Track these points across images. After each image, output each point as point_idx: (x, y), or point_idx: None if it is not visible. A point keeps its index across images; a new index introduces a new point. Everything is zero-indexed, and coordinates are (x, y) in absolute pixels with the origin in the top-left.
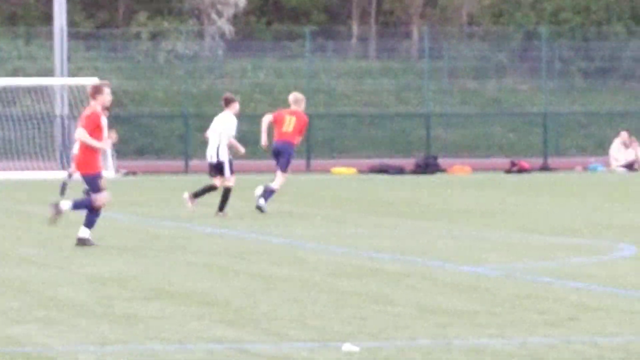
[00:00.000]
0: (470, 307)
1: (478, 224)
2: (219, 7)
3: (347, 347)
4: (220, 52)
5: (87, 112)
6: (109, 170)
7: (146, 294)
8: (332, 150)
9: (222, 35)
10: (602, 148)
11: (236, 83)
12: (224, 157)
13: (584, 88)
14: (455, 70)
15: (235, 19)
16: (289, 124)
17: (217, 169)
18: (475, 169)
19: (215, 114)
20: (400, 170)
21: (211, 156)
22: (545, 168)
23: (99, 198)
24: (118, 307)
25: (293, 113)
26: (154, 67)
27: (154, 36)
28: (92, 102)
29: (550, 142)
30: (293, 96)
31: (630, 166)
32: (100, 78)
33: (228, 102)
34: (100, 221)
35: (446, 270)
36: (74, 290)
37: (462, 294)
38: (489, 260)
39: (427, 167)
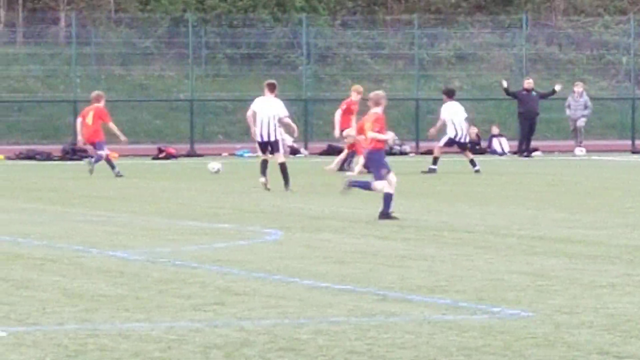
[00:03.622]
0: (116, 292)
1: (125, 210)
2: None
3: None
4: None
5: None
6: None
7: None
8: None
9: None
10: (248, 134)
11: None
12: (279, 136)
13: (230, 75)
14: (103, 56)
15: None
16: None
17: (269, 146)
18: (123, 155)
19: None
20: (47, 157)
21: (268, 135)
22: (191, 154)
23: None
24: None
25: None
26: None
27: None
28: None
29: (196, 129)
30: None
31: None
32: None
33: (273, 88)
34: None
35: (93, 255)
36: None
37: (108, 279)
38: (135, 245)
39: (75, 153)
